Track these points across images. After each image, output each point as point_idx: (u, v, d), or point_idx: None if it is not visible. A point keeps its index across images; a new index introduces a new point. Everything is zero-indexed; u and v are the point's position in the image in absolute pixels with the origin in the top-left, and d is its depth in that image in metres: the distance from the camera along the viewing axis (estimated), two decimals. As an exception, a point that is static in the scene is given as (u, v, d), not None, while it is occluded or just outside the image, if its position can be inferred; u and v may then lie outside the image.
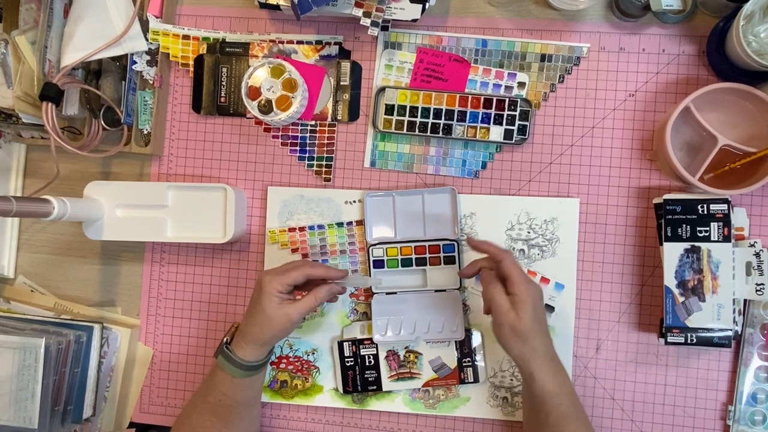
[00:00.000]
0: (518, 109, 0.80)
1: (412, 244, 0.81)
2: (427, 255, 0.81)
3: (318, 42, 0.84)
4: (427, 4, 0.78)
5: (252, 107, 0.79)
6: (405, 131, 0.81)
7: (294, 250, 0.84)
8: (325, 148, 0.84)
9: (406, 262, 0.81)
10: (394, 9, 0.78)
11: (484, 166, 0.82)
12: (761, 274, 0.73)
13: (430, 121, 0.81)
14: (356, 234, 0.83)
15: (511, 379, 0.81)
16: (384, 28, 0.82)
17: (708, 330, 0.73)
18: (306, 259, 0.83)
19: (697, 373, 0.78)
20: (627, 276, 0.80)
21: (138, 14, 0.80)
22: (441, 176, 0.83)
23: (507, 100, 0.80)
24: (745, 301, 0.76)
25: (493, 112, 0.80)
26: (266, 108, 0.79)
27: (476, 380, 0.80)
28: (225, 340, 0.75)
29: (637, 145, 0.80)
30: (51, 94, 0.76)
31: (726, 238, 0.73)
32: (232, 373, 0.72)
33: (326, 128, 0.84)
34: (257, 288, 0.72)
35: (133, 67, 0.82)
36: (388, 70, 0.83)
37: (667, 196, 0.75)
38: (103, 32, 0.78)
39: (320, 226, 0.84)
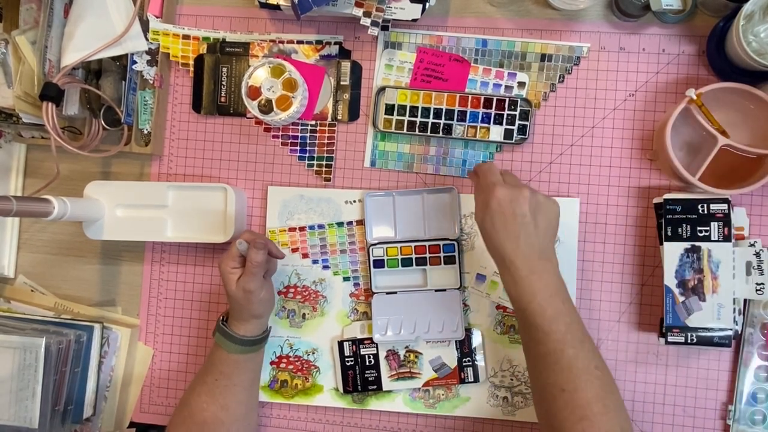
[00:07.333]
0: (518, 108, 0.80)
1: (412, 244, 0.81)
2: (428, 255, 0.81)
3: (318, 42, 0.84)
4: (427, 4, 0.78)
5: (252, 107, 0.79)
6: (405, 131, 0.81)
7: (294, 250, 0.84)
8: (325, 148, 0.84)
9: (407, 262, 0.81)
10: (394, 9, 0.78)
11: (484, 165, 0.82)
12: (761, 274, 0.73)
13: (430, 120, 0.81)
14: (356, 234, 0.83)
15: (511, 379, 0.81)
16: (384, 28, 0.82)
17: (708, 330, 0.73)
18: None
19: (697, 373, 0.78)
20: (627, 276, 0.80)
21: (138, 14, 0.80)
22: (441, 176, 0.83)
23: (507, 99, 0.80)
24: (745, 300, 0.75)
25: (493, 111, 0.80)
26: (266, 108, 0.79)
27: (476, 380, 0.80)
28: (221, 317, 0.77)
29: (637, 145, 0.80)
30: (51, 93, 0.76)
31: (726, 238, 0.73)
32: (228, 349, 0.74)
33: (326, 128, 0.84)
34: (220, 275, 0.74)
35: (134, 66, 0.82)
36: (388, 69, 0.83)
37: (667, 196, 0.75)
38: (104, 32, 0.79)
39: (320, 226, 0.84)
